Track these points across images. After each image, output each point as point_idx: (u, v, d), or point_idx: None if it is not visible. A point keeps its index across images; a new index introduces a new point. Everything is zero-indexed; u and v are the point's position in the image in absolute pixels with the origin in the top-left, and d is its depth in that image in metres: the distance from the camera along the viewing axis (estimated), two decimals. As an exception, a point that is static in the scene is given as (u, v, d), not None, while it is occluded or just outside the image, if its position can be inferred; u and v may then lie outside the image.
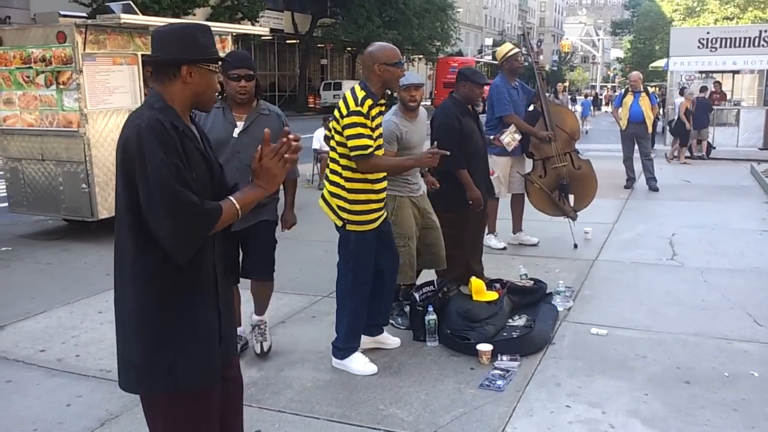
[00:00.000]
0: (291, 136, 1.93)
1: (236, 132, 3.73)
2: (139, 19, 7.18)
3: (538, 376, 3.80)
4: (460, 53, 49.29)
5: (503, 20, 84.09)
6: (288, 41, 35.93)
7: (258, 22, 26.83)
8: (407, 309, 4.57)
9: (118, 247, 1.96)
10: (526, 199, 6.75)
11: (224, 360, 2.12)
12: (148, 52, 3.20)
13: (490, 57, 45.98)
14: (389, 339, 4.24)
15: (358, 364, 3.87)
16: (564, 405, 3.45)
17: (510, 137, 5.87)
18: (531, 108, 6.45)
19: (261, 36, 18.24)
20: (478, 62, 38.51)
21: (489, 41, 60.36)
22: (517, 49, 6.23)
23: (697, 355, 4.05)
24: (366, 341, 4.07)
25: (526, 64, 6.67)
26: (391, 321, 4.52)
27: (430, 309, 4.27)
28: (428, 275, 4.84)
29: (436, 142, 3.82)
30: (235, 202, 1.94)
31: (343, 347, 3.89)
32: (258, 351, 4.08)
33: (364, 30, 32.73)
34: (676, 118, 14.56)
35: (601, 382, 3.70)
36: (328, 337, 4.30)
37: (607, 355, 4.07)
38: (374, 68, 3.57)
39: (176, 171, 1.83)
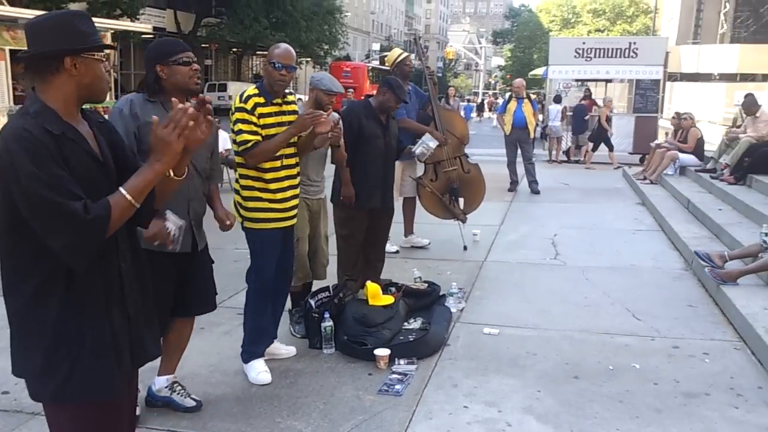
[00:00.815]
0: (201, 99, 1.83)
1: None
2: (6, 10, 6.65)
3: (436, 378, 3.83)
4: (347, 57, 49.49)
5: (390, 26, 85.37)
6: (170, 40, 34.64)
7: (138, 19, 25.67)
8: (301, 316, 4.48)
9: (5, 260, 1.83)
10: (417, 202, 6.83)
11: (136, 363, 2.01)
12: (18, 47, 2.79)
13: (377, 62, 46.50)
14: (282, 348, 4.14)
15: (253, 371, 3.76)
16: (462, 406, 3.49)
17: (422, 148, 5.85)
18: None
19: (142, 34, 17.45)
20: (369, 67, 38.78)
21: (376, 46, 61.02)
22: (406, 54, 6.30)
23: (583, 350, 4.23)
24: (258, 351, 3.95)
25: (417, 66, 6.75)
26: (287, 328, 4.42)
27: (327, 315, 4.20)
28: (328, 279, 4.77)
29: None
30: (125, 193, 1.75)
31: (247, 350, 3.82)
32: (192, 404, 3.40)
33: (250, 31, 32.15)
34: (556, 123, 15.34)
35: (495, 381, 3.78)
36: (219, 349, 4.15)
37: (500, 354, 4.17)
38: (266, 66, 3.64)
39: (51, 181, 1.67)
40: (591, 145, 14.62)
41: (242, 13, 32.45)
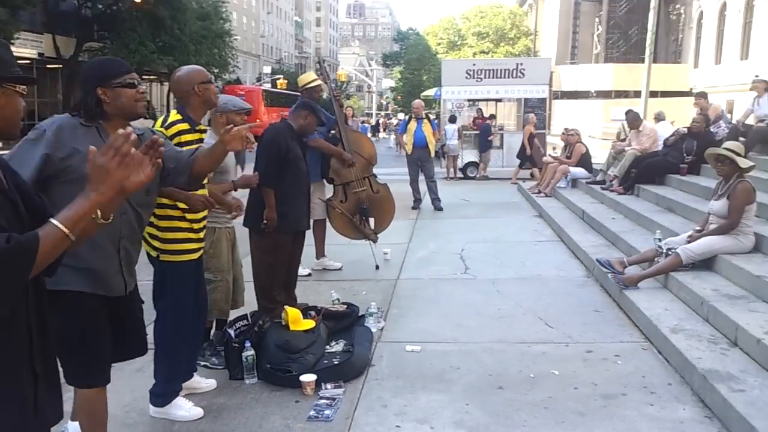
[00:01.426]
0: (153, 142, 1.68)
1: None
2: None
3: (364, 400, 3.79)
4: (238, 81, 48.84)
5: (281, 49, 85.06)
6: (49, 65, 32.89)
7: (13, 44, 24.22)
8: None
9: None
10: (327, 224, 6.80)
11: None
12: None
13: (269, 85, 46.19)
14: (203, 382, 3.97)
15: (183, 409, 3.57)
16: (394, 426, 3.47)
17: None
18: (331, 133, 6.54)
19: (22, 59, 16.42)
20: (263, 91, 38.44)
21: (267, 69, 60.56)
22: (319, 82, 6.31)
23: (504, 361, 4.33)
24: (177, 389, 3.75)
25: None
26: (203, 362, 4.25)
27: (248, 344, 4.08)
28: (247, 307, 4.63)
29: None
30: (57, 223, 1.56)
31: (164, 393, 3.57)
32: None
33: (136, 55, 31.01)
34: (453, 142, 15.78)
35: (424, 398, 3.79)
36: (133, 388, 3.93)
37: (424, 371, 4.19)
38: (194, 90, 3.42)
39: None
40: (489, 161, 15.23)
41: (127, 37, 31.30)
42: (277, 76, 49.77)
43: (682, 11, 35.52)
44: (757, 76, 9.48)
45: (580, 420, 3.48)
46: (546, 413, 3.56)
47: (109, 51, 32.19)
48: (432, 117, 13.82)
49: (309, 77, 6.40)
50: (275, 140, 4.67)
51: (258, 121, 30.75)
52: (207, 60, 37.53)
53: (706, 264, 5.45)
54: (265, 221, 4.68)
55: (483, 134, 16.03)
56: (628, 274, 5.52)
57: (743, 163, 5.37)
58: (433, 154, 11.34)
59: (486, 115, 18.42)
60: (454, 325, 5.06)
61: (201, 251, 3.61)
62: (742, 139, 8.37)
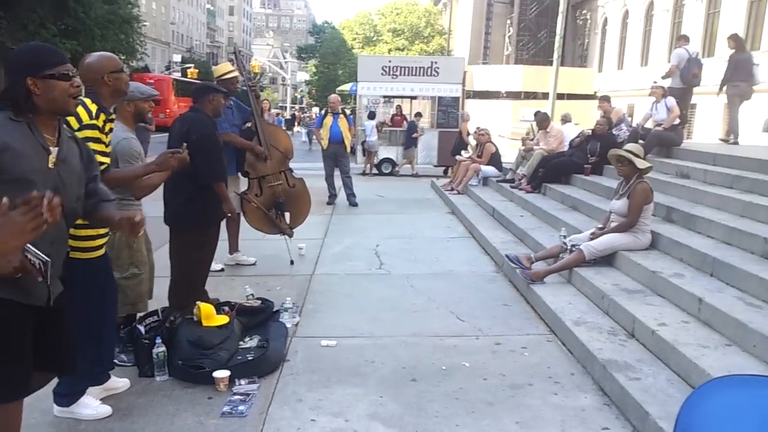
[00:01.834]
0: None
1: (51, 161, 2.38)
2: None
3: (279, 394, 3.79)
4: (146, 68, 47.16)
5: (191, 37, 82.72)
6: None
7: None
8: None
9: None
10: (241, 218, 6.71)
11: None
12: None
13: (179, 74, 44.86)
14: (119, 382, 3.83)
15: (89, 407, 3.45)
16: (309, 419, 3.49)
17: None
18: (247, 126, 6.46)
19: None
20: (173, 79, 37.26)
21: (177, 57, 58.76)
22: (236, 74, 6.21)
23: (417, 353, 4.43)
24: (95, 390, 3.62)
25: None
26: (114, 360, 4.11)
27: (158, 341, 3.98)
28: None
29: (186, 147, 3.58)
30: None
31: (70, 392, 3.43)
32: None
33: (36, 38, 29.37)
34: (372, 138, 15.87)
35: (339, 392, 3.83)
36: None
37: (340, 365, 4.23)
38: (104, 79, 3.30)
39: None
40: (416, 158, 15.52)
41: (26, 18, 29.56)
42: (188, 65, 48.46)
43: (588, 17, 37.08)
44: (655, 82, 10.03)
45: (489, 409, 3.62)
46: (457, 403, 3.68)
47: (4, 32, 30.36)
48: (348, 112, 13.85)
49: (225, 68, 6.29)
50: (209, 133, 4.59)
51: (168, 111, 29.83)
52: (113, 46, 36.00)
53: (607, 260, 5.76)
54: (228, 214, 4.80)
55: (409, 131, 16.22)
56: (535, 270, 5.75)
57: (641, 164, 5.70)
58: (349, 149, 11.37)
59: (405, 112, 18.65)
60: (369, 320, 5.12)
61: (104, 248, 3.46)
62: (641, 141, 8.86)
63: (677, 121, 9.06)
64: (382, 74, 16.12)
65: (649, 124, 9.57)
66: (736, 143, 10.63)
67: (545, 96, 23.48)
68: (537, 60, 36.67)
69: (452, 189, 11.98)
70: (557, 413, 3.59)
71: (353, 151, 16.92)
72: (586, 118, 19.48)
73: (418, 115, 17.22)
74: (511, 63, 38.55)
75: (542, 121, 10.74)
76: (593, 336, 4.43)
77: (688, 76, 10.16)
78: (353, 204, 10.91)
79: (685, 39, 11.01)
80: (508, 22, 41.79)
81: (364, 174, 15.86)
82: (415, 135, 16.16)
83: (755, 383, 1.39)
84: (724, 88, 10.61)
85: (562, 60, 23.26)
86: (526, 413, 3.58)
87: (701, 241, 5.48)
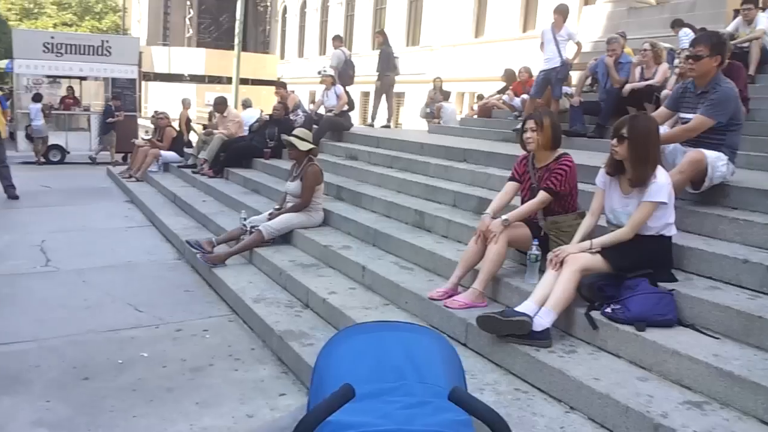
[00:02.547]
0: None
1: None
2: None
3: None
4: None
5: None
6: None
7: None
8: None
9: None
10: None
11: None
12: None
13: None
14: None
15: None
16: (-43, 441, 3.08)
17: None
18: None
19: None
20: None
21: None
22: None
23: (90, 351, 4.17)
24: None
25: None
26: None
27: None
28: None
29: None
30: None
31: None
32: None
33: None
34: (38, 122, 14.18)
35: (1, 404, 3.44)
36: None
37: (-2, 375, 3.79)
38: None
39: None
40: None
41: None
42: None
43: (268, 3, 37.93)
44: (325, 69, 10.69)
45: (169, 395, 3.58)
46: (135, 395, 3.57)
47: None
48: (4, 93, 12.23)
49: None
50: None
51: None
52: None
53: (284, 238, 6.05)
54: None
55: (105, 116, 14.76)
56: (216, 253, 5.80)
57: (304, 146, 6.11)
58: (5, 135, 10.05)
59: (75, 93, 17.00)
60: (34, 322, 4.66)
61: None
62: (315, 126, 9.43)
63: (346, 107, 9.83)
64: (44, 51, 14.52)
65: (322, 110, 10.21)
66: (388, 126, 12.04)
67: (230, 80, 23.55)
68: (220, 44, 36.49)
69: (130, 176, 11.37)
70: (237, 388, 3.70)
71: (12, 137, 15.01)
72: (269, 104, 19.95)
73: (116, 98, 15.69)
74: (193, 46, 37.73)
75: (219, 105, 10.77)
76: (271, 311, 4.64)
77: (346, 77, 11.13)
78: (12, 197, 9.68)
79: (339, 39, 12.07)
80: (188, 3, 40.73)
81: (38, 163, 14.19)
82: (111, 120, 14.75)
83: (373, 328, 1.64)
84: (379, 78, 11.88)
85: (245, 45, 23.54)
86: (207, 393, 3.63)
87: (366, 216, 6.07)
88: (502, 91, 11.43)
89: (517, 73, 10.97)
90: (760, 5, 9.29)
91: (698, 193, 4.22)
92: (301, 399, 3.55)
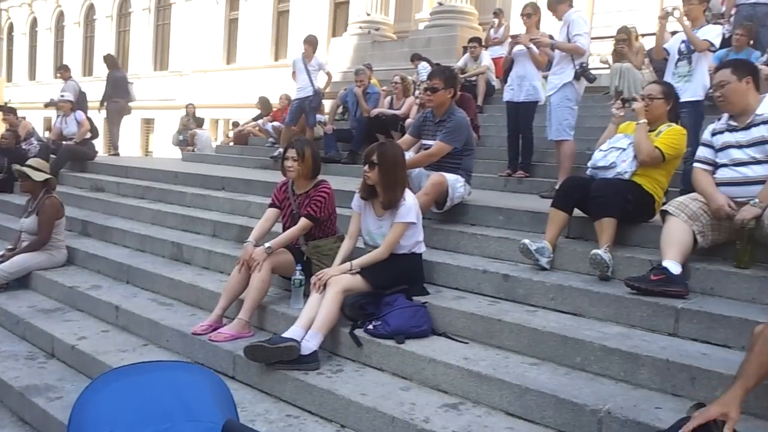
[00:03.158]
0: None
1: None
2: None
3: None
4: None
5: None
6: None
7: None
8: None
9: None
10: None
11: None
12: None
13: None
14: None
15: None
16: None
17: None
18: None
19: None
20: None
21: None
22: None
23: None
24: None
25: None
26: None
27: None
28: None
29: None
30: None
31: None
32: None
33: None
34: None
35: None
36: None
37: None
38: None
39: None
40: None
41: None
42: None
43: (-12, 21, 33.88)
44: (62, 95, 9.77)
45: None
46: None
47: None
48: None
49: None
50: None
51: None
52: None
53: (21, 282, 5.42)
54: None
55: None
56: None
57: (38, 176, 5.58)
58: None
59: None
60: None
61: None
62: (53, 156, 8.59)
63: (89, 135, 9.11)
64: None
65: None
66: (117, 155, 11.47)
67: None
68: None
69: None
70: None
71: None
72: (-4, 132, 17.76)
73: None
74: None
75: None
76: (8, 365, 4.11)
77: (84, 104, 10.42)
78: None
79: (67, 69, 11.37)
80: None
81: None
82: None
83: (133, 371, 1.52)
84: (105, 104, 11.25)
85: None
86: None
87: (117, 251, 5.66)
88: (257, 119, 11.48)
89: (278, 100, 11.10)
90: (483, 44, 10.57)
91: (442, 213, 4.65)
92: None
